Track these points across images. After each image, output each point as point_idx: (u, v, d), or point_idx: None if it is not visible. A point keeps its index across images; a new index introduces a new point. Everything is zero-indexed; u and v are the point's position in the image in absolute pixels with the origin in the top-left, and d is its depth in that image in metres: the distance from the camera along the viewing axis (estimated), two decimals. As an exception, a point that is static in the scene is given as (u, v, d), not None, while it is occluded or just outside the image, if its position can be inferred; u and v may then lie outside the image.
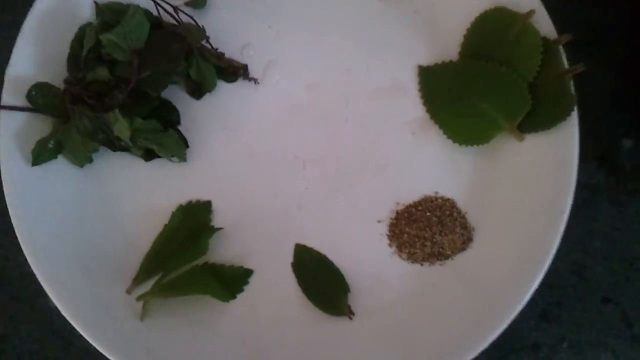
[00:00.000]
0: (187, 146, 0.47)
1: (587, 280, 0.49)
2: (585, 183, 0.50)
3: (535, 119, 0.46)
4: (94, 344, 0.41)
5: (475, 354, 0.42)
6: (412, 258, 0.46)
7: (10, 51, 0.45)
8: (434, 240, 0.46)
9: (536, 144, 0.46)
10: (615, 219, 0.50)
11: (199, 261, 0.44)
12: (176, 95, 0.48)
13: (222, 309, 0.45)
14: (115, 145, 0.45)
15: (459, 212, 0.47)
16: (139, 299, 0.43)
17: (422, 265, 0.46)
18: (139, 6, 0.45)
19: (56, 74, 0.46)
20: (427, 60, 0.49)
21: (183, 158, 0.46)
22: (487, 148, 0.47)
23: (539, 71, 0.46)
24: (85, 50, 0.44)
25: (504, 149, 0.47)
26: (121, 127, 0.42)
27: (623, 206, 0.50)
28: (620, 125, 0.52)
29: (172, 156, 0.46)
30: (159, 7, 0.47)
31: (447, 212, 0.46)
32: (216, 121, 0.48)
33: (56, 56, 0.46)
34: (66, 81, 0.45)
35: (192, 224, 0.45)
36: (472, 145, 0.47)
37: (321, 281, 0.45)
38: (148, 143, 0.45)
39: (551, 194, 0.45)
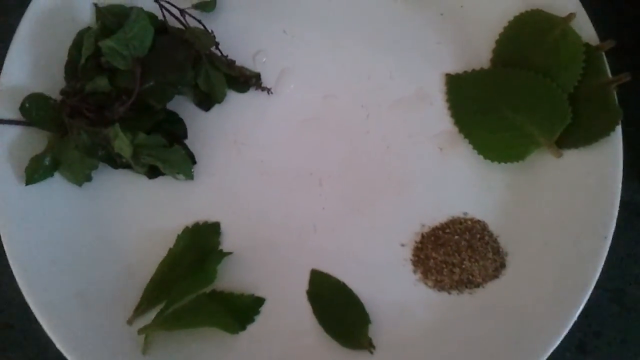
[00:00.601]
0: (194, 162, 0.43)
1: (629, 309, 0.45)
2: (627, 202, 0.46)
3: (576, 133, 0.43)
4: (90, 380, 0.38)
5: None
6: (438, 286, 0.42)
7: (2, 58, 0.42)
8: (463, 266, 0.42)
9: (576, 161, 0.43)
10: (660, 243, 0.46)
11: (206, 289, 0.41)
12: (183, 106, 0.44)
13: (231, 342, 0.41)
14: (116, 162, 0.42)
15: (491, 236, 0.43)
16: (140, 332, 0.39)
17: (450, 294, 0.42)
18: (142, 9, 0.41)
19: (52, 84, 0.42)
20: (456, 67, 0.45)
21: (190, 175, 0.42)
22: (522, 165, 0.43)
23: (580, 81, 0.43)
24: (84, 58, 0.41)
25: (540, 166, 0.43)
26: (122, 143, 0.38)
27: (669, 228, 0.46)
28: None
29: (178, 173, 0.42)
30: (164, 10, 0.43)
31: (478, 236, 0.43)
32: (226, 135, 0.44)
33: (53, 64, 0.43)
34: (63, 92, 0.41)
35: (199, 247, 0.42)
36: (505, 162, 0.43)
37: (339, 311, 0.41)
38: (152, 160, 0.41)
39: (592, 216, 0.41)
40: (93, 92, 0.41)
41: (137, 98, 0.40)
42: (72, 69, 0.42)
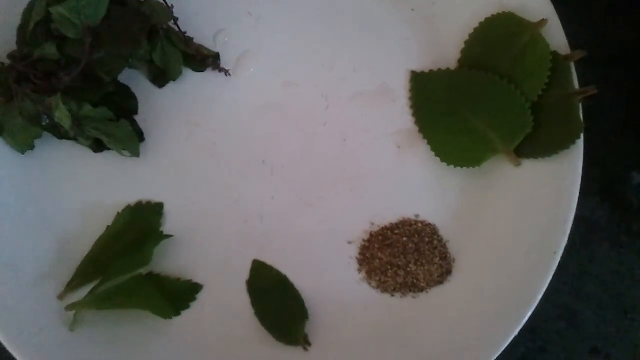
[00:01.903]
0: (142, 140, 0.42)
1: (576, 327, 0.45)
2: (584, 218, 0.45)
3: (536, 143, 0.41)
4: (12, 351, 0.37)
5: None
6: (382, 287, 0.41)
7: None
8: (409, 269, 0.41)
9: (534, 171, 0.41)
10: (614, 262, 0.45)
11: (143, 270, 0.40)
12: (137, 82, 0.43)
13: (163, 327, 0.40)
14: (60, 132, 0.40)
15: (440, 240, 0.42)
16: (69, 308, 0.38)
17: (392, 296, 0.41)
18: (100, -24, 0.40)
19: (6, 48, 0.41)
20: (422, 65, 0.44)
21: (136, 152, 0.41)
22: (479, 171, 0.42)
23: (545, 90, 0.41)
24: (33, 23, 0.39)
25: (497, 173, 0.42)
26: (62, 114, 0.37)
27: (624, 248, 0.45)
28: (630, 157, 0.47)
29: (124, 149, 0.41)
30: (123, -20, 0.41)
31: (427, 239, 0.42)
32: (178, 114, 0.43)
33: (4, 26, 0.41)
34: (10, 56, 0.40)
35: (140, 227, 0.40)
36: (462, 166, 0.42)
37: (278, 304, 0.40)
38: (97, 133, 0.40)
39: (545, 230, 0.40)
40: (42, 59, 0.39)
41: (86, 68, 0.39)
42: (24, 33, 0.40)
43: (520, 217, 0.41)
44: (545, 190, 0.41)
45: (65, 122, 0.37)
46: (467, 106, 0.42)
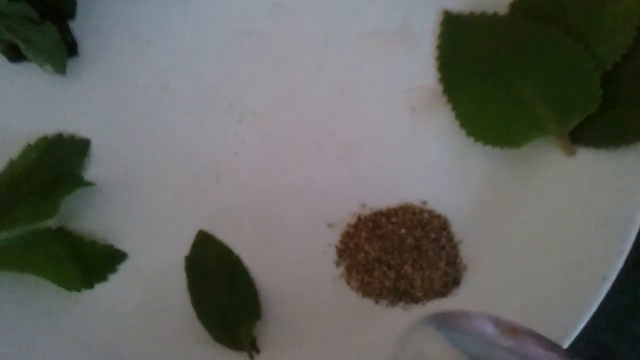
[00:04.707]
0: (73, 53, 0.32)
1: (614, 373, 0.34)
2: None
3: (600, 127, 0.31)
4: None
5: None
6: (364, 289, 0.31)
7: None
8: (403, 271, 0.31)
9: (592, 165, 0.31)
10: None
11: (51, 224, 0.30)
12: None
13: (71, 299, 0.31)
14: (-35, 29, 0.30)
15: (450, 239, 0.31)
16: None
17: (376, 303, 0.31)
18: None
19: None
20: (460, 4, 0.33)
21: (61, 69, 0.31)
22: (516, 155, 0.31)
23: (625, 58, 0.30)
24: None
25: (541, 162, 0.32)
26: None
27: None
28: None
29: (46, 63, 0.31)
30: None
31: (433, 235, 0.31)
32: (127, 26, 0.33)
33: None
34: None
35: (54, 167, 0.31)
36: (494, 145, 0.31)
37: (223, 294, 0.31)
38: (12, 36, 0.30)
39: (595, 245, 0.30)
40: None
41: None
42: None
43: (564, 225, 0.30)
44: (603, 193, 0.30)
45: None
46: (514, 66, 0.31)
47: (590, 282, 0.29)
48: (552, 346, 0.20)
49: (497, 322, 0.20)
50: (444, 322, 0.21)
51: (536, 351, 0.20)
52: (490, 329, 0.20)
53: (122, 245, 0.31)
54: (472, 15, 0.33)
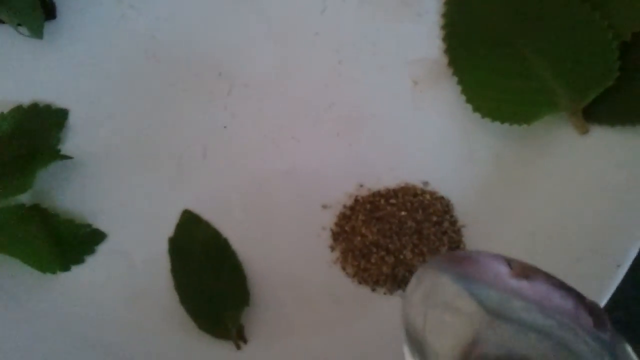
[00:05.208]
0: (51, 16, 0.30)
1: None
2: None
3: (617, 104, 0.29)
4: None
5: None
6: (360, 276, 0.29)
7: None
8: (402, 257, 0.29)
9: (606, 144, 0.29)
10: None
11: (25, 200, 0.28)
12: None
13: (46, 282, 0.28)
14: None
15: (453, 223, 0.29)
16: None
17: (373, 290, 0.29)
18: None
19: None
20: (468, -31, 0.30)
21: (38, 32, 0.29)
22: (526, 132, 0.29)
23: (645, 27, 0.28)
24: None
25: (552, 140, 0.29)
26: None
27: None
28: None
29: (21, 24, 0.28)
30: None
31: (435, 219, 0.29)
32: (111, -12, 0.31)
33: None
34: None
35: (29, 139, 0.28)
36: (502, 122, 0.29)
37: (209, 278, 0.28)
38: (-17, -6, 0.27)
39: (609, 230, 0.28)
40: None
41: None
42: None
43: (576, 208, 0.28)
44: (618, 174, 0.28)
45: None
46: (525, 36, 0.29)
47: (603, 270, 0.27)
48: (567, 289, 0.18)
49: (510, 261, 0.19)
50: (453, 266, 0.19)
51: (551, 294, 0.18)
52: (502, 269, 0.19)
53: (101, 224, 0.29)
54: (481, -20, 0.31)
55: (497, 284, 0.18)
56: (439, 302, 0.19)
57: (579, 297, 0.19)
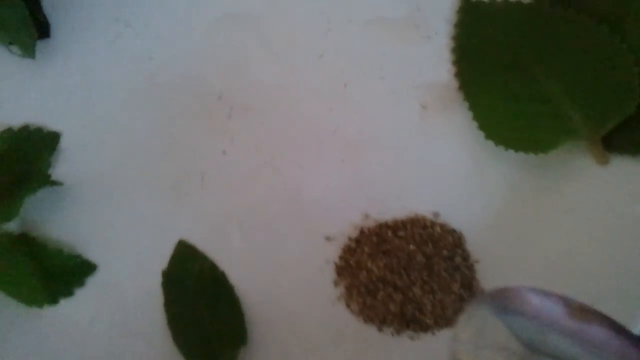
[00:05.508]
0: (45, 35, 0.29)
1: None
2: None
3: (638, 132, 0.27)
4: None
5: None
6: (366, 314, 0.27)
7: None
8: (411, 294, 0.27)
9: (628, 176, 0.27)
10: None
11: (10, 229, 0.27)
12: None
13: (33, 316, 0.27)
14: None
15: (465, 258, 0.28)
16: None
17: (380, 330, 0.27)
18: None
19: None
20: (480, -9, 0.30)
21: (30, 52, 0.28)
22: (542, 162, 0.28)
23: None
24: None
25: (570, 170, 0.28)
26: None
27: None
28: None
29: (12, 43, 0.28)
30: None
31: (446, 253, 0.27)
32: (106, 6, 0.30)
33: None
34: None
35: (18, 163, 0.28)
36: (517, 150, 0.28)
37: (204, 314, 0.27)
38: (-27, 12, 0.26)
39: (631, 272, 0.26)
40: None
41: None
42: None
43: (596, 245, 0.27)
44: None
45: None
46: (540, 61, 0.28)
47: (625, 312, 0.26)
48: (629, 336, 0.17)
49: (567, 301, 0.18)
50: (506, 303, 0.18)
51: (611, 341, 0.17)
52: (559, 308, 0.18)
53: (91, 255, 0.28)
54: (493, 1, 0.30)
55: (552, 325, 0.17)
56: (491, 342, 0.17)
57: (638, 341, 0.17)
